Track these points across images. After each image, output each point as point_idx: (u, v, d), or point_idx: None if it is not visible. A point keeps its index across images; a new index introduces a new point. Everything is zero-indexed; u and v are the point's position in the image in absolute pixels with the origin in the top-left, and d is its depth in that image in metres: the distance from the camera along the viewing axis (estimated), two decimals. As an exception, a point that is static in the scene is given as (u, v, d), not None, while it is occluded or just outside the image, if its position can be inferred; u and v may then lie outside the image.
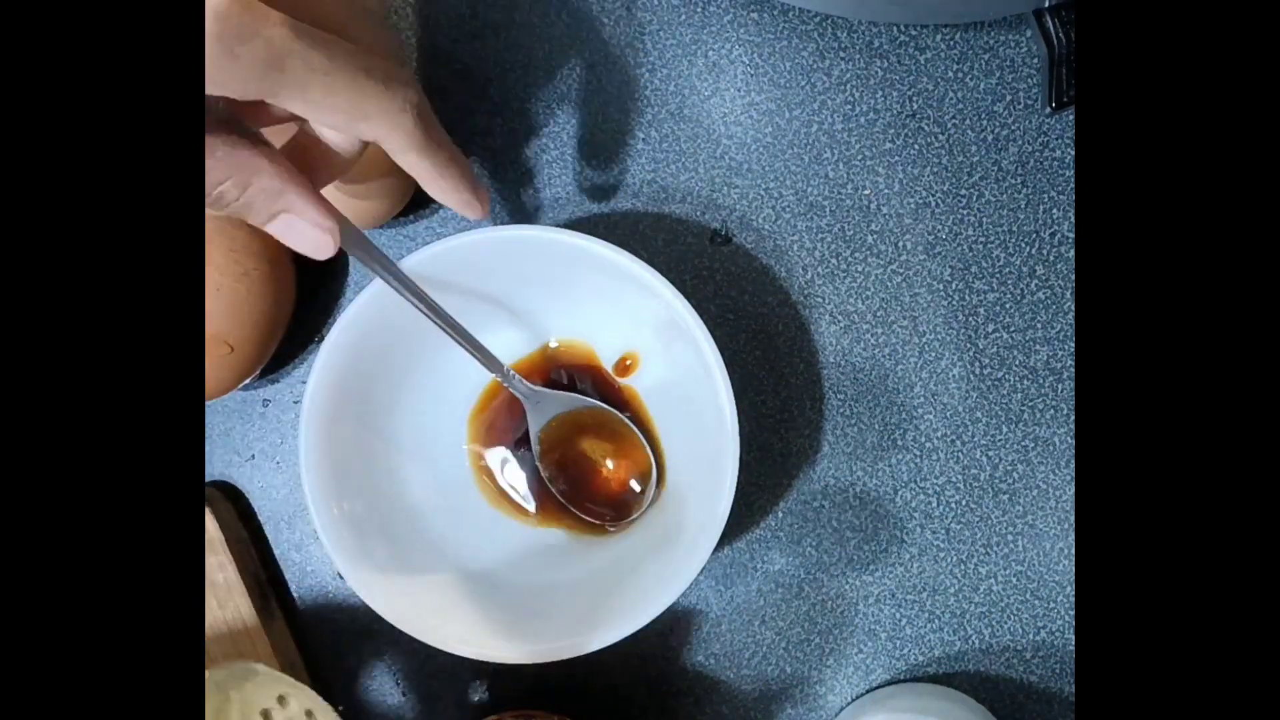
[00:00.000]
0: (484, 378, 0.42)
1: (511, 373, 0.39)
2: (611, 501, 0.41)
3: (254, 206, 0.29)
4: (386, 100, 0.28)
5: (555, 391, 0.40)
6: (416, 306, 0.35)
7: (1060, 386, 0.41)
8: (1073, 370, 0.41)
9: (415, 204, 0.42)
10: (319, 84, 0.26)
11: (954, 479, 0.42)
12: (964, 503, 0.42)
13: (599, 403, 0.40)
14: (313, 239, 0.30)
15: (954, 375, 0.41)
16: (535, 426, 0.40)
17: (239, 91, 0.25)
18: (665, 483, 0.41)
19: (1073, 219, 0.41)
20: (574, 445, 0.41)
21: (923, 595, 0.42)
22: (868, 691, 0.42)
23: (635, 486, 0.40)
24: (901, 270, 0.41)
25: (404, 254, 0.37)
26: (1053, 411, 0.41)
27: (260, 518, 0.44)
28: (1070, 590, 0.41)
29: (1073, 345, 0.41)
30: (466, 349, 0.37)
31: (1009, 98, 0.41)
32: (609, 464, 0.41)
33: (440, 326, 0.36)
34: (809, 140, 0.41)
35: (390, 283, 0.34)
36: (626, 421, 0.40)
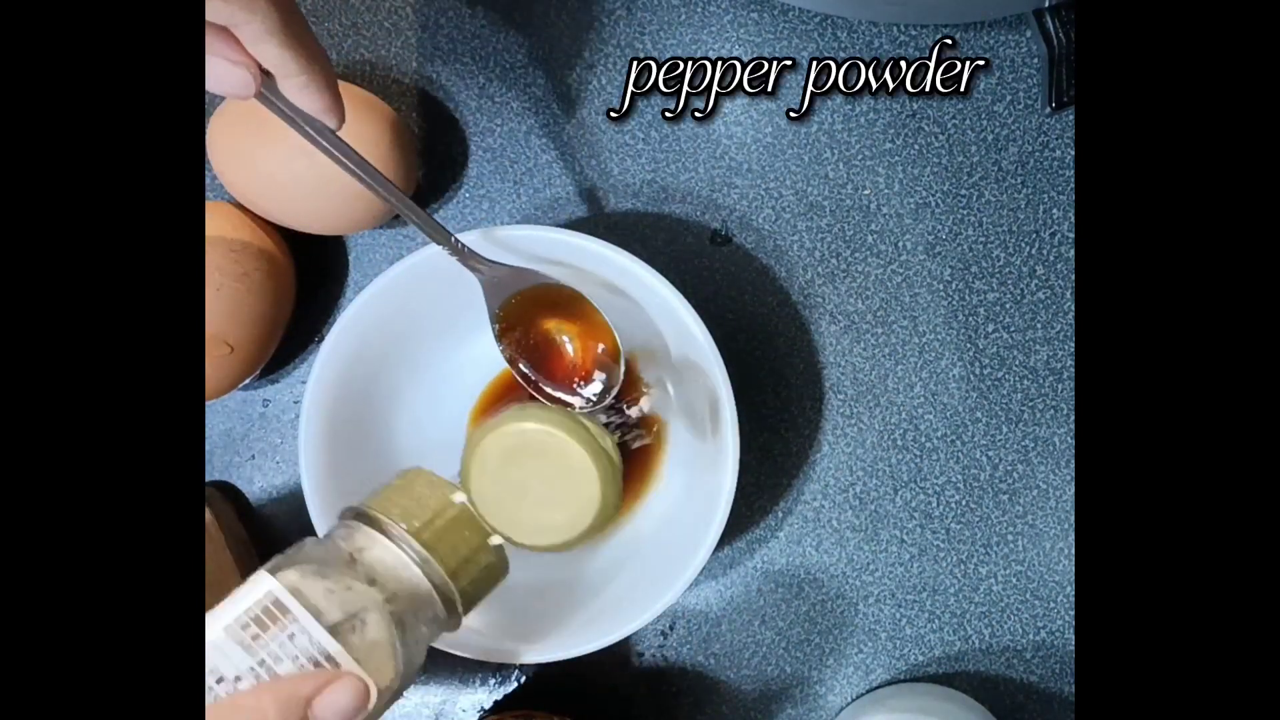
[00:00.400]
0: (484, 378, 0.42)
1: (460, 242, 0.36)
2: (576, 384, 0.37)
3: None
4: None
5: (513, 265, 0.37)
6: (348, 168, 0.33)
7: (1060, 386, 0.41)
8: (1073, 370, 0.41)
9: (415, 204, 0.42)
10: None
11: (954, 479, 0.42)
12: (964, 503, 0.42)
13: (559, 280, 0.37)
14: (232, 77, 0.29)
15: (954, 375, 0.41)
16: (493, 304, 0.37)
17: None
18: (665, 478, 0.41)
19: (1073, 219, 0.41)
20: (535, 324, 0.37)
21: (923, 595, 0.42)
22: (868, 691, 0.42)
23: (600, 371, 0.37)
24: (901, 270, 0.41)
25: (404, 254, 0.37)
26: (1053, 411, 0.41)
27: (260, 518, 0.44)
28: (1070, 590, 0.41)
29: (1073, 345, 0.41)
30: (409, 217, 0.35)
31: (1009, 98, 0.41)
32: (572, 344, 0.38)
33: (371, 186, 0.33)
34: (809, 140, 0.41)
35: (311, 136, 0.32)
36: (590, 300, 0.37)
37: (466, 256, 0.36)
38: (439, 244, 0.35)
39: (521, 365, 0.37)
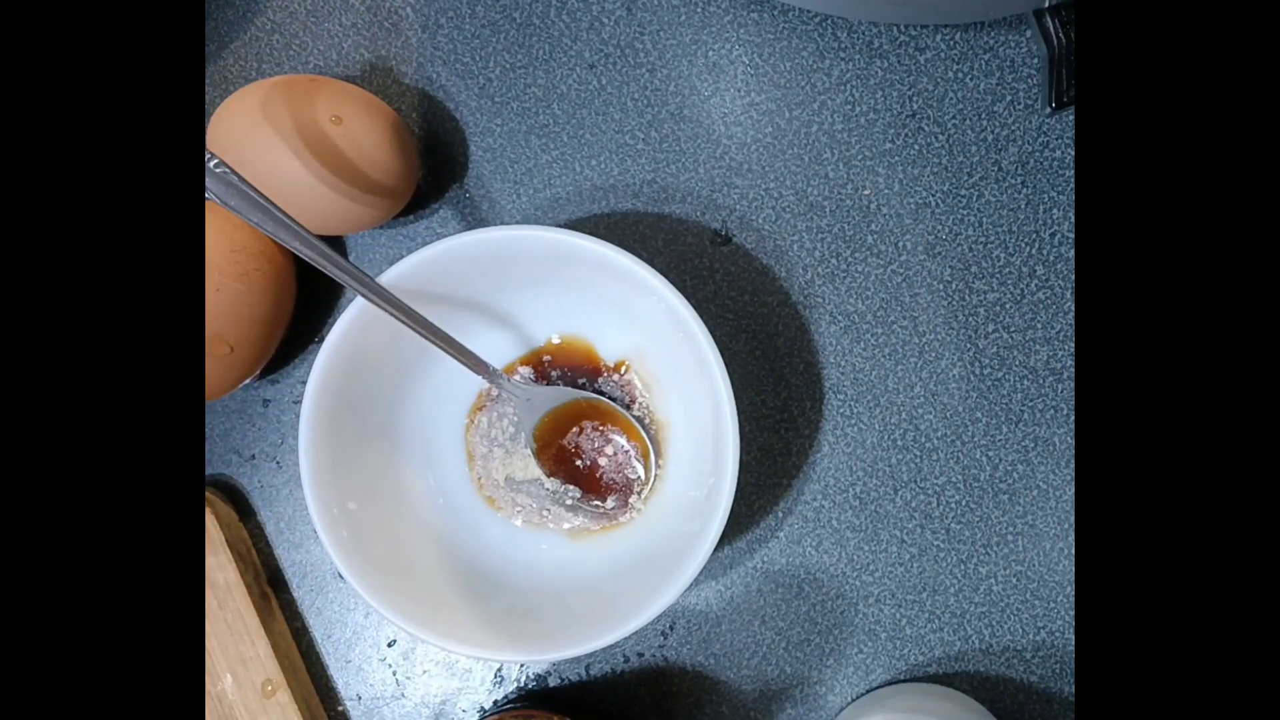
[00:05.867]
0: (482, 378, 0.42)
1: (499, 373, 0.39)
2: (612, 489, 0.41)
3: None
4: None
5: (544, 387, 0.40)
6: (398, 318, 0.35)
7: (1060, 386, 0.41)
8: (1073, 370, 0.41)
9: (415, 204, 0.42)
10: None
11: (954, 479, 0.42)
12: (964, 503, 0.42)
13: (588, 392, 0.40)
14: None
15: (954, 375, 0.41)
16: (528, 424, 0.40)
17: None
18: (665, 479, 0.41)
19: (1073, 219, 0.41)
20: (569, 438, 0.41)
21: (923, 595, 0.42)
22: (868, 691, 0.42)
23: (633, 471, 0.40)
24: (901, 270, 0.41)
25: (403, 254, 0.37)
26: (1053, 411, 0.41)
27: (260, 518, 0.44)
28: (1070, 590, 0.41)
29: (1073, 345, 0.41)
30: (451, 354, 0.37)
31: (1009, 98, 0.41)
32: (605, 451, 0.41)
33: (423, 335, 0.36)
34: (809, 140, 0.41)
35: (369, 297, 0.35)
36: (617, 408, 0.40)
37: (503, 383, 0.39)
38: (480, 375, 0.38)
39: (561, 477, 0.41)
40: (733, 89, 0.41)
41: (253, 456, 0.44)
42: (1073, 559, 0.41)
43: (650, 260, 0.37)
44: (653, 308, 0.37)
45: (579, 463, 0.41)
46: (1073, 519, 0.41)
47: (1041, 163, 0.41)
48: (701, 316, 0.36)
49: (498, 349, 0.41)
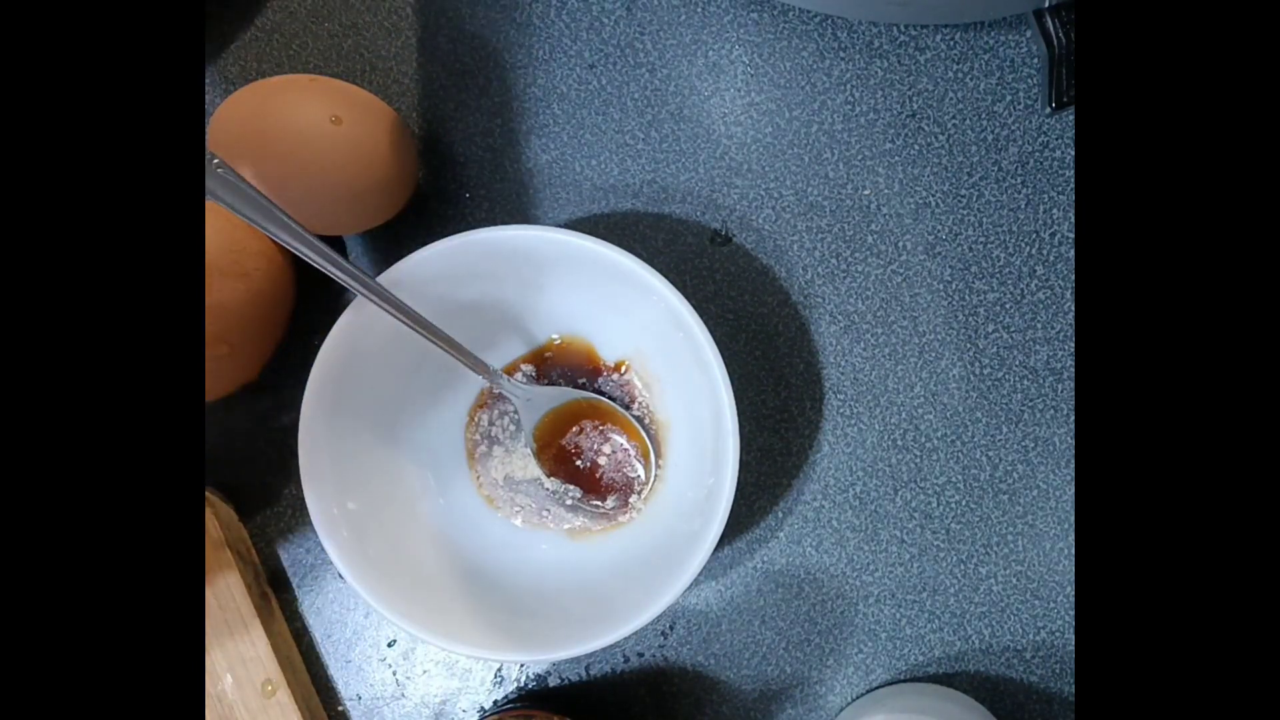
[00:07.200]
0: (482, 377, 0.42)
1: (499, 373, 0.39)
2: (612, 489, 0.41)
3: None
4: None
5: (544, 387, 0.40)
6: (398, 318, 0.35)
7: (1060, 386, 0.41)
8: (1073, 370, 0.41)
9: (415, 204, 0.42)
10: None
11: (954, 479, 0.42)
12: (964, 503, 0.42)
13: (588, 392, 0.40)
14: None
15: (954, 375, 0.41)
16: (529, 424, 0.40)
17: None
18: (665, 479, 0.41)
19: (1073, 219, 0.41)
20: (568, 437, 0.41)
21: (923, 595, 0.42)
22: (868, 691, 0.42)
23: (633, 471, 0.41)
24: (901, 270, 0.41)
25: (403, 253, 0.37)
26: (1053, 411, 0.41)
27: (260, 518, 0.44)
28: (1070, 590, 0.41)
29: (1073, 345, 0.41)
30: (451, 354, 0.37)
31: (1009, 98, 0.41)
32: (605, 451, 0.41)
33: (423, 335, 0.36)
34: (809, 140, 0.41)
35: (369, 297, 0.35)
36: (617, 408, 0.40)
37: (503, 383, 0.39)
38: (479, 374, 0.38)
39: (561, 478, 0.41)
40: (733, 89, 0.41)
41: (252, 457, 0.44)
42: (1073, 559, 0.41)
43: (650, 260, 0.37)
44: (653, 308, 0.37)
45: (579, 462, 0.41)
46: (1073, 519, 0.41)
47: (1041, 163, 0.41)
48: (701, 316, 0.36)
49: (498, 349, 0.41)
